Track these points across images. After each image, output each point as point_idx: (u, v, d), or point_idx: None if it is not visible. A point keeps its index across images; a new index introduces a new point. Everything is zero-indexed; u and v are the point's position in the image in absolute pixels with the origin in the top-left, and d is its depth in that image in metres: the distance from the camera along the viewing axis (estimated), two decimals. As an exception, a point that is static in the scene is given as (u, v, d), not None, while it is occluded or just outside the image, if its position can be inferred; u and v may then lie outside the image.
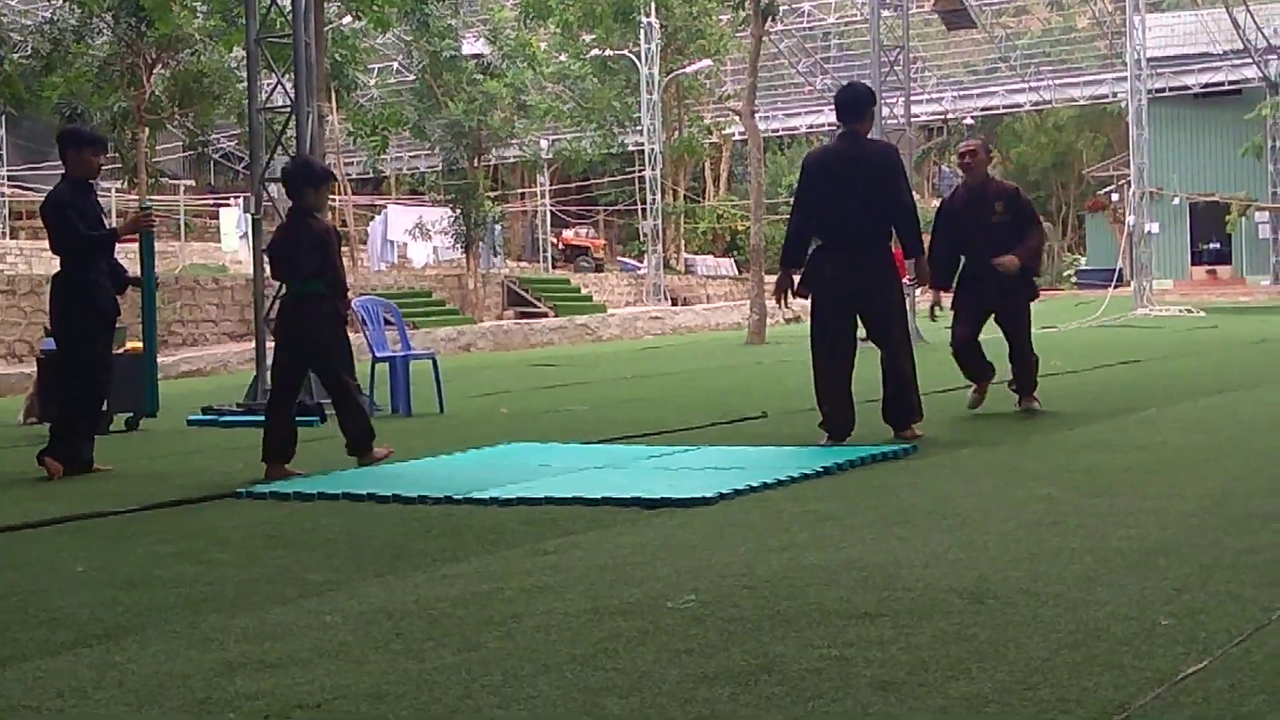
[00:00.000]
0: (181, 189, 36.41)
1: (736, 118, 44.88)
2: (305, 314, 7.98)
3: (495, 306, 36.41)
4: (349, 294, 8.55)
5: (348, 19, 32.29)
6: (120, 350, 11.96)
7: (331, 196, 34.12)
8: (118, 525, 6.19)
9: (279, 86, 13.24)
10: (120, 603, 4.44)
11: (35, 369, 13.06)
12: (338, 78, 32.56)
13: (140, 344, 10.07)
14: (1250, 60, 39.98)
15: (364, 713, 3.11)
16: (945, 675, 3.24)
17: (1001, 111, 51.34)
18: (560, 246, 48.85)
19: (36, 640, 3.95)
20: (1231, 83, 43.10)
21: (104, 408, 9.00)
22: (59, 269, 8.57)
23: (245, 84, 14.36)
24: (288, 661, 3.58)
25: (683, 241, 48.63)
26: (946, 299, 9.96)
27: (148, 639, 3.90)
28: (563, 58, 42.87)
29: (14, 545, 5.77)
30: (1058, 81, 46.48)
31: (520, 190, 52.56)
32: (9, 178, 40.06)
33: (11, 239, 37.44)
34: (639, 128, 42.99)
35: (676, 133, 46.00)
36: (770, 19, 28.55)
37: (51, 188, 8.60)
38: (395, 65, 41.70)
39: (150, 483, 7.77)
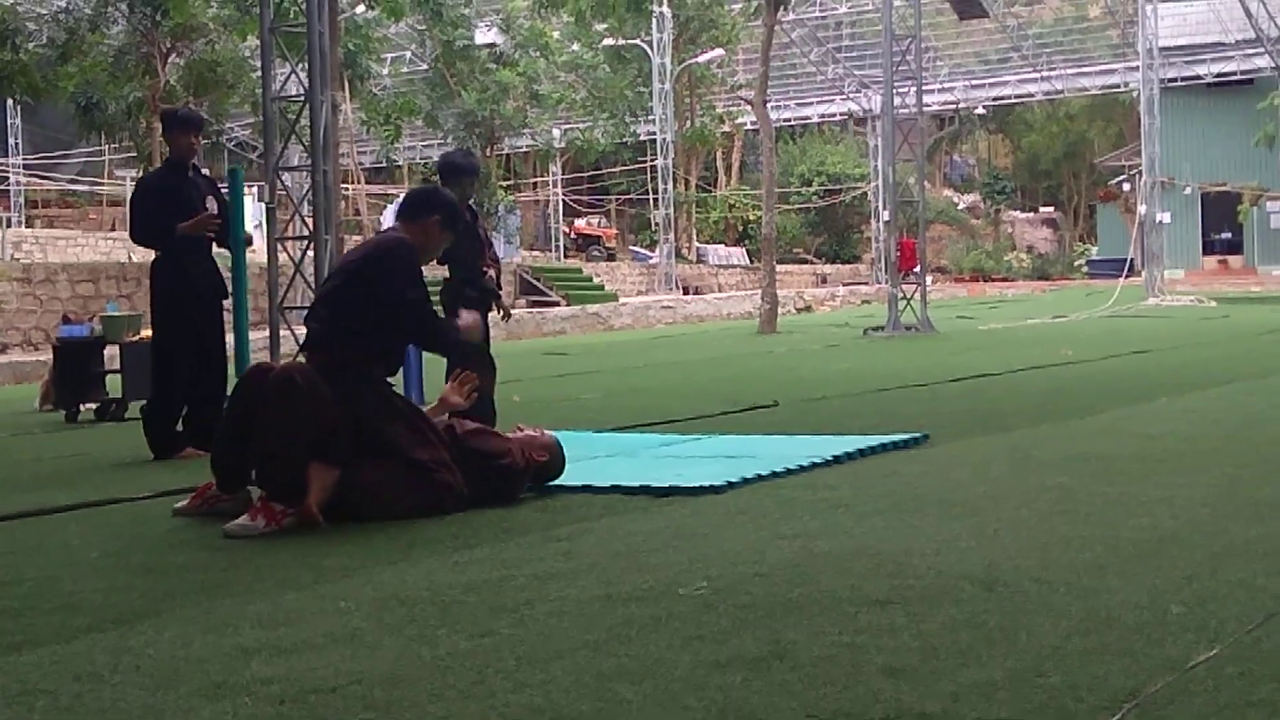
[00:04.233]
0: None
1: (748, 107, 44.86)
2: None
3: (508, 295, 36.39)
4: (487, 277, 8.57)
5: (361, 8, 32.31)
6: (136, 338, 12.02)
7: (344, 185, 34.10)
8: (132, 511, 6.22)
9: (293, 76, 13.26)
10: (135, 588, 4.46)
11: (51, 356, 13.10)
12: (351, 67, 32.57)
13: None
14: (1263, 50, 39.80)
15: (378, 697, 3.13)
16: (956, 662, 3.25)
17: (1013, 101, 51.19)
18: (572, 235, 48.81)
19: (52, 625, 3.97)
20: (1244, 72, 42.98)
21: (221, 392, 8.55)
22: (155, 256, 8.55)
23: (259, 73, 14.37)
24: (302, 647, 3.60)
25: (694, 231, 48.53)
26: None
27: (163, 624, 3.92)
28: (575, 47, 42.78)
29: (30, 531, 5.80)
30: (1070, 71, 46.31)
31: (533, 179, 52.56)
32: (25, 167, 40.13)
33: (27, 227, 37.51)
34: (651, 117, 42.95)
35: (688, 122, 45.93)
36: (782, 8, 28.51)
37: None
38: (408, 54, 41.67)
39: (165, 469, 7.81)
